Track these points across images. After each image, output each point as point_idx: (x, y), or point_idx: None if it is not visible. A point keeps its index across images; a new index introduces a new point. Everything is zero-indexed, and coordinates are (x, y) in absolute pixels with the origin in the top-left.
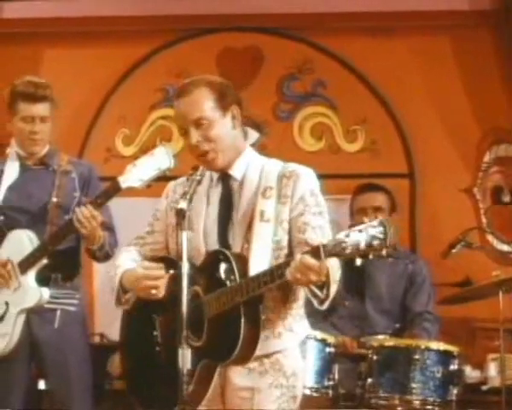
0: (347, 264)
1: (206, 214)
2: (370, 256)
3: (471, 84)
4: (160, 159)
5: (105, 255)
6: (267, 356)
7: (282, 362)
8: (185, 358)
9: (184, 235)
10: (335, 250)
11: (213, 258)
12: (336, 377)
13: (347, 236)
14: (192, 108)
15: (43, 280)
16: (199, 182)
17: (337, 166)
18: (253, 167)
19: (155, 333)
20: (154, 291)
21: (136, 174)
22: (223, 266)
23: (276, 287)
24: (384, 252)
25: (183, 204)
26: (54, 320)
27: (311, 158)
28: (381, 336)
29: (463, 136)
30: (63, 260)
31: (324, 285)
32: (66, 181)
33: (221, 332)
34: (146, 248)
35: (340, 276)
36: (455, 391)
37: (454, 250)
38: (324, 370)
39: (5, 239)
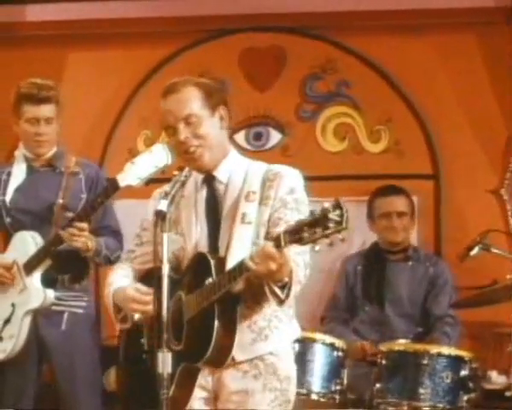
0: (365, 269)
1: (195, 220)
2: (327, 240)
3: (498, 83)
4: (158, 156)
5: (105, 260)
6: (261, 359)
7: (277, 365)
8: (165, 362)
9: (165, 236)
10: (294, 237)
11: (194, 261)
12: (345, 381)
13: (305, 222)
14: (181, 105)
15: (49, 282)
16: (182, 183)
17: (360, 166)
18: (237, 170)
19: (142, 341)
20: (142, 311)
21: (134, 172)
22: (202, 268)
23: (259, 287)
24: (341, 235)
25: (163, 205)
26: (61, 322)
27: (334, 159)
28: (402, 341)
29: (490, 136)
30: (70, 261)
31: (286, 285)
32: (73, 182)
33: (197, 334)
34: (136, 261)
35: (307, 275)
36: (465, 398)
37: (472, 253)
38: (332, 374)
39: (11, 240)
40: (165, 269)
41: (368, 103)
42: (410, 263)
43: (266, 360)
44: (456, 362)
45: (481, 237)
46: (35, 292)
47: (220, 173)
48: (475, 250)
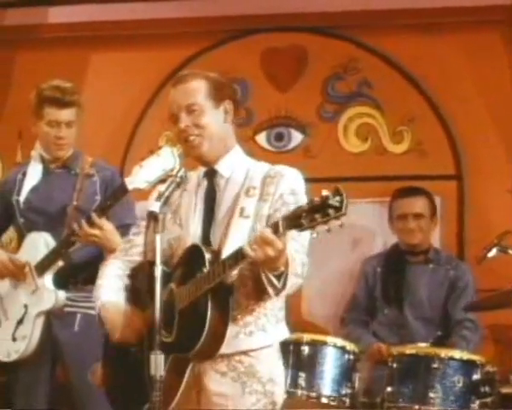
0: (385, 271)
1: (193, 212)
2: (326, 227)
3: None
4: (166, 159)
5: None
6: (239, 361)
7: (257, 368)
8: (158, 364)
9: (158, 238)
10: (293, 223)
11: (188, 253)
12: (356, 385)
13: (304, 208)
14: (186, 94)
15: (62, 283)
16: (178, 184)
17: (382, 167)
18: (239, 167)
19: None
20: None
21: (142, 176)
22: (195, 260)
23: (251, 282)
24: (340, 222)
25: (155, 206)
26: (74, 323)
27: (356, 159)
28: (422, 344)
29: None
30: (83, 262)
31: (282, 275)
32: (88, 184)
33: (189, 324)
34: (134, 250)
35: (305, 273)
36: (477, 402)
37: (490, 254)
38: (342, 378)
39: (23, 241)
40: (159, 271)
41: (390, 103)
42: (431, 265)
43: (244, 362)
44: (468, 366)
45: (499, 238)
46: (47, 293)
47: (222, 168)
48: (493, 252)
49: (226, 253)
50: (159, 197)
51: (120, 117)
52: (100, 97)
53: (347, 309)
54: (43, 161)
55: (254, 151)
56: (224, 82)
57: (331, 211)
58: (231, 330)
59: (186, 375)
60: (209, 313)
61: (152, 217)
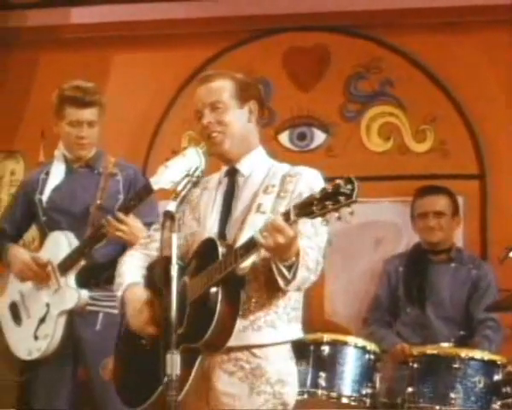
0: (407, 270)
1: (211, 208)
2: (337, 214)
3: None
4: (191, 159)
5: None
6: (246, 361)
7: (265, 369)
8: (174, 364)
9: (174, 237)
10: (304, 211)
11: (202, 246)
12: (377, 385)
13: (316, 196)
14: (211, 92)
15: (85, 282)
16: (194, 184)
17: (405, 167)
18: (260, 166)
19: None
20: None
21: (167, 176)
22: (209, 252)
23: (264, 278)
24: (351, 210)
25: (171, 206)
26: (96, 322)
27: (379, 159)
28: (445, 344)
29: None
30: (106, 261)
31: (293, 266)
32: (111, 184)
33: (199, 314)
34: (153, 245)
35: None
36: (499, 403)
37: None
38: (363, 378)
39: (46, 240)
40: (175, 270)
41: (413, 103)
42: (453, 264)
43: (252, 362)
44: (489, 367)
45: None
46: (69, 293)
47: (243, 166)
48: None
49: None
50: (175, 197)
51: (142, 117)
52: (122, 97)
53: (370, 309)
54: (66, 160)
55: (277, 151)
56: (251, 82)
57: (342, 198)
58: (240, 323)
59: (195, 367)
60: (219, 304)
61: (168, 216)
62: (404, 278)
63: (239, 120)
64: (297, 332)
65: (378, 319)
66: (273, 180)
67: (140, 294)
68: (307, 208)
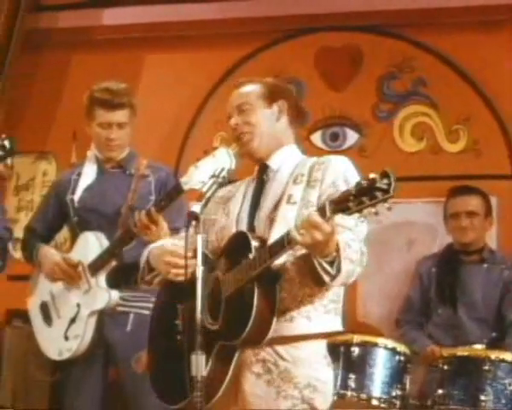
0: (439, 271)
1: (241, 203)
2: (373, 210)
3: None
4: (221, 160)
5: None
6: (274, 364)
7: (293, 373)
8: (199, 364)
9: (199, 238)
10: (340, 207)
11: (233, 240)
12: (407, 386)
13: (352, 191)
14: (239, 95)
15: (115, 283)
16: (220, 185)
17: (438, 167)
18: (290, 160)
19: (177, 322)
20: (174, 270)
21: (197, 176)
22: (241, 246)
23: (295, 268)
24: (388, 205)
25: (196, 207)
26: (127, 323)
27: (412, 159)
28: (477, 346)
29: None
30: (136, 262)
31: (335, 261)
32: (143, 185)
33: (235, 311)
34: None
35: (364, 262)
36: None
37: None
38: (393, 379)
39: (77, 240)
40: (200, 272)
41: (446, 102)
42: (485, 265)
43: (280, 366)
44: None
45: None
46: (100, 293)
47: (272, 162)
48: None
49: (272, 239)
50: (200, 198)
51: (174, 118)
52: (154, 98)
53: (402, 310)
54: (97, 161)
55: (309, 151)
56: (281, 85)
57: (379, 194)
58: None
59: (232, 365)
60: (255, 300)
61: (193, 217)
62: (437, 279)
63: (267, 119)
64: (334, 325)
65: (410, 321)
66: (302, 170)
67: (162, 249)
68: (343, 204)
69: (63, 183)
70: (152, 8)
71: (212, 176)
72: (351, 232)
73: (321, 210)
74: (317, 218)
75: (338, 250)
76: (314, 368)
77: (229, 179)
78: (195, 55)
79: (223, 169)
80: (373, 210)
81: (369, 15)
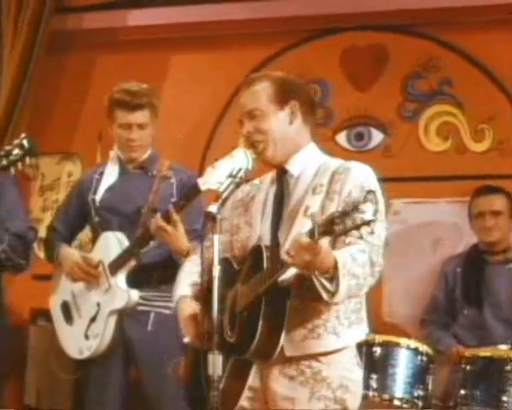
0: (465, 271)
1: (262, 212)
2: (358, 234)
3: None
4: (239, 160)
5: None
6: (308, 366)
7: (326, 373)
8: (216, 364)
9: (216, 238)
10: (327, 229)
11: (252, 253)
12: (429, 387)
13: (336, 213)
14: (249, 99)
15: (135, 282)
16: (237, 185)
17: (463, 166)
18: (310, 164)
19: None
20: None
21: (214, 177)
22: (257, 260)
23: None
24: (369, 228)
25: (213, 207)
26: (147, 323)
27: (437, 159)
28: (503, 346)
29: None
30: (157, 261)
31: (334, 278)
32: (165, 186)
33: (245, 326)
34: (211, 249)
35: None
36: None
37: None
38: (415, 380)
39: (97, 240)
40: (216, 271)
41: (471, 102)
42: (510, 265)
43: (314, 367)
44: None
45: None
46: (119, 292)
47: (291, 167)
48: None
49: None
50: (217, 198)
51: (199, 118)
52: (179, 99)
53: (427, 311)
54: (120, 161)
55: (334, 151)
56: (292, 81)
57: (360, 216)
58: (299, 333)
59: (249, 380)
60: (261, 318)
61: (210, 217)
62: (462, 279)
63: (279, 124)
64: (360, 334)
65: (435, 321)
66: (322, 179)
67: (186, 310)
68: (329, 226)
69: (85, 182)
70: (176, 9)
71: (229, 176)
72: (362, 241)
73: (310, 232)
74: (305, 240)
75: (336, 267)
76: (346, 368)
77: (247, 179)
78: (220, 56)
79: (240, 169)
80: (357, 234)
81: (394, 15)
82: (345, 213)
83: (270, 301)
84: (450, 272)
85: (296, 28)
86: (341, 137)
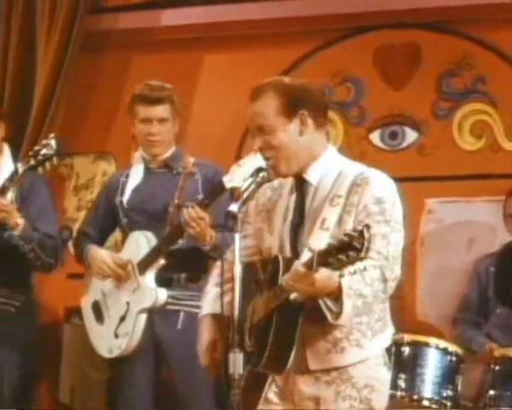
0: (498, 270)
1: (283, 221)
2: (352, 269)
3: None
4: (262, 159)
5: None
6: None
7: (352, 373)
8: (236, 362)
9: (237, 237)
10: (323, 260)
11: (271, 264)
12: (459, 387)
13: (332, 245)
14: (256, 114)
15: (164, 281)
16: (259, 185)
17: (497, 165)
18: (329, 172)
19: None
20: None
21: (239, 174)
22: (274, 272)
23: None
24: (363, 266)
25: (233, 206)
26: (177, 322)
27: (471, 158)
28: None
29: None
30: (186, 260)
31: (338, 299)
32: (190, 183)
33: (259, 338)
34: (243, 252)
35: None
36: None
37: None
38: (444, 380)
39: (126, 240)
40: (238, 270)
41: (505, 100)
42: None
43: (340, 368)
44: None
45: None
46: (147, 292)
47: (309, 176)
48: None
49: None
50: (238, 197)
51: (232, 117)
52: (212, 98)
53: (460, 309)
54: (144, 161)
55: (368, 150)
56: (299, 88)
57: (352, 253)
58: (322, 346)
59: (265, 390)
60: (272, 331)
61: (230, 216)
62: (495, 278)
63: (289, 137)
64: (384, 342)
65: (467, 320)
66: (340, 189)
67: (205, 331)
68: (325, 258)
69: (112, 185)
70: (210, 9)
71: (252, 175)
72: (376, 254)
73: (308, 263)
74: (301, 270)
75: (340, 290)
76: (372, 368)
77: (269, 178)
78: (253, 55)
79: (262, 168)
80: (351, 269)
81: (427, 12)
82: (340, 247)
83: (282, 317)
84: (483, 271)
85: (329, 27)
86: (375, 136)
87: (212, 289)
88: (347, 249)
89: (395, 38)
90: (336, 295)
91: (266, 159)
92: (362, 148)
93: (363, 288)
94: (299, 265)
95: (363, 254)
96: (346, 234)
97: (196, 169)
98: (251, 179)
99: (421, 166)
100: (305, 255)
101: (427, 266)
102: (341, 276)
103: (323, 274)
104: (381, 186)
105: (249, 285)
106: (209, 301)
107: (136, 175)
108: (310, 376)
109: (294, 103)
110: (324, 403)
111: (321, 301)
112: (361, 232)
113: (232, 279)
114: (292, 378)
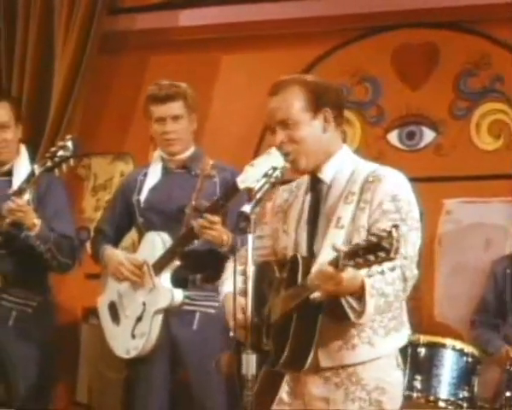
0: None
1: (298, 221)
2: (379, 269)
3: None
4: (275, 159)
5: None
6: (342, 367)
7: (361, 375)
8: (249, 363)
9: (250, 238)
10: (350, 262)
11: (289, 263)
12: (475, 388)
13: (361, 245)
14: (280, 108)
15: (180, 281)
16: (272, 185)
17: None
18: (343, 171)
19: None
20: None
21: (253, 175)
22: (293, 272)
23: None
24: (392, 265)
25: (246, 207)
26: (193, 322)
27: (488, 158)
28: None
29: None
30: (202, 261)
31: (361, 297)
32: (208, 185)
33: (277, 338)
34: (259, 252)
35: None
36: None
37: None
38: (460, 381)
39: (142, 240)
40: (250, 271)
41: None
42: None
43: (348, 368)
44: None
45: None
46: (163, 292)
47: (324, 175)
48: None
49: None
50: (250, 199)
51: (250, 118)
52: (230, 98)
53: (477, 311)
54: (163, 161)
55: (385, 150)
56: (323, 85)
57: (381, 254)
58: (334, 344)
59: (280, 390)
60: (292, 331)
61: (242, 217)
62: (511, 280)
63: (312, 134)
64: (399, 342)
65: (484, 322)
66: (354, 187)
67: (232, 303)
68: (353, 259)
69: (130, 183)
70: (228, 9)
71: (265, 175)
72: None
73: (334, 262)
74: (328, 269)
75: (363, 289)
76: (383, 370)
77: (283, 179)
78: (270, 55)
79: (276, 168)
80: (379, 269)
81: (445, 12)
82: (368, 248)
83: (302, 317)
84: (500, 273)
85: (347, 27)
86: (393, 136)
87: (230, 277)
88: (376, 250)
89: (413, 38)
90: (359, 294)
91: (286, 154)
92: (379, 148)
93: (385, 287)
94: (325, 264)
95: (392, 255)
96: (373, 234)
97: (215, 171)
98: (264, 180)
99: (439, 166)
100: (328, 254)
101: (445, 266)
102: (370, 276)
103: (350, 274)
104: (395, 183)
105: (261, 285)
106: (230, 282)
107: (154, 174)
108: (319, 377)
109: (320, 100)
110: (334, 404)
111: (343, 300)
112: (390, 233)
113: (245, 272)
114: (303, 379)
